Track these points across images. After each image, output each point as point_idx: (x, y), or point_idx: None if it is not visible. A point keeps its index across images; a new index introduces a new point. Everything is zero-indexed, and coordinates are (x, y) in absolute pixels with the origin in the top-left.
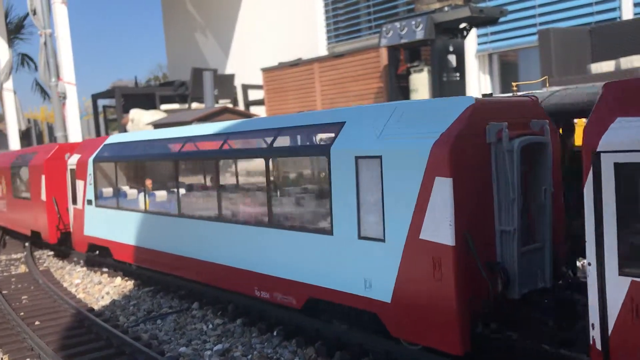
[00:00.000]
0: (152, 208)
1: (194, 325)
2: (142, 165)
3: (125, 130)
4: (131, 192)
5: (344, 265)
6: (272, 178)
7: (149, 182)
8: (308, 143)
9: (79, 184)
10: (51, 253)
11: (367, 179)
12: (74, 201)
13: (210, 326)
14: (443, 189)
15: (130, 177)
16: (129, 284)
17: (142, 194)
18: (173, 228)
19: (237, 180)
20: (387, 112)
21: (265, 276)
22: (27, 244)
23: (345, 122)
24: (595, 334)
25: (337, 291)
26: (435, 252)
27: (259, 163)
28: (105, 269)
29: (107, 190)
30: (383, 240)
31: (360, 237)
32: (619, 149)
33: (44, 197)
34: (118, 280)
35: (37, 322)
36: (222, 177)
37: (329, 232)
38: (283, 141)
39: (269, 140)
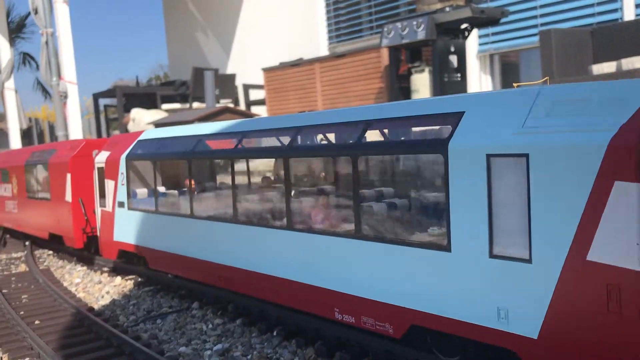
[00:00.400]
0: (200, 213)
1: (193, 325)
2: (187, 164)
3: (126, 130)
4: (173, 194)
5: (465, 289)
6: (360, 180)
7: (194, 183)
8: (412, 138)
9: (109, 183)
10: (51, 252)
11: (505, 183)
12: (102, 203)
13: (210, 326)
14: (626, 196)
15: (171, 177)
16: (129, 284)
17: (186, 196)
18: (226, 236)
19: (313, 182)
20: (526, 99)
21: (351, 297)
22: (27, 243)
23: (464, 112)
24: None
25: (453, 320)
26: (611, 278)
27: (342, 162)
28: (105, 269)
29: (143, 192)
30: (529, 261)
31: (492, 256)
32: None
33: (69, 197)
34: (118, 279)
35: (37, 322)
36: (292, 179)
37: (445, 247)
38: (374, 136)
39: (355, 135)
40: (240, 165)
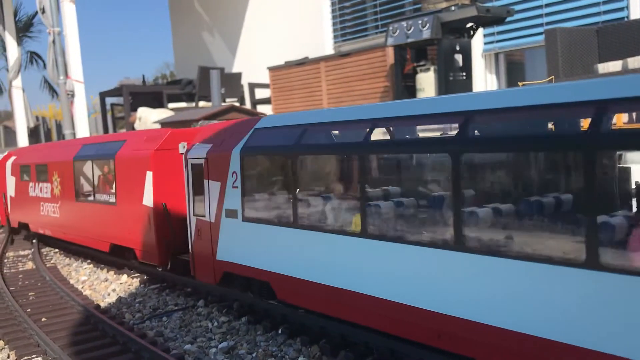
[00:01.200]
0: (378, 230)
1: (199, 322)
2: (356, 162)
3: (132, 129)
4: (321, 203)
5: None
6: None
7: (363, 187)
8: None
9: (210, 185)
10: (57, 250)
11: None
12: (198, 210)
13: (216, 324)
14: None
15: (318, 178)
16: (135, 281)
17: (348, 206)
18: (438, 268)
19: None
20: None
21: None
22: (34, 241)
23: None
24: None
25: None
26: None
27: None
28: (111, 267)
29: (268, 198)
30: None
31: None
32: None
33: (148, 201)
34: (124, 277)
35: (43, 319)
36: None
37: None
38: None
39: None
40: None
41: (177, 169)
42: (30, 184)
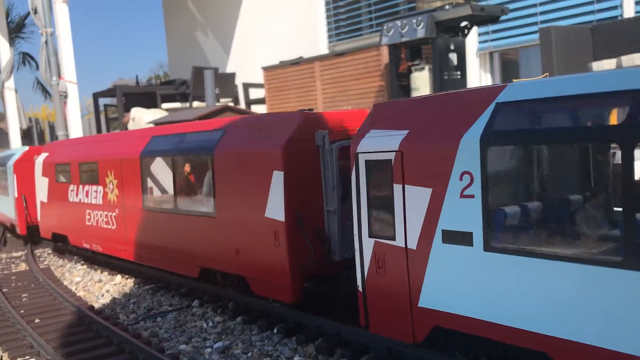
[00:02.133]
0: None
1: (194, 322)
2: None
3: (126, 130)
4: None
5: None
6: None
7: None
8: None
9: (410, 193)
10: (51, 251)
11: None
12: (378, 229)
13: (211, 324)
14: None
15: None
16: (129, 282)
17: None
18: None
19: None
20: None
21: None
22: (27, 243)
23: None
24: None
25: None
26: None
27: None
28: (105, 268)
29: (542, 216)
30: None
31: None
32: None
33: (275, 212)
34: (118, 278)
35: (37, 320)
36: None
37: None
38: None
39: None
40: None
41: (313, 167)
42: (71, 187)
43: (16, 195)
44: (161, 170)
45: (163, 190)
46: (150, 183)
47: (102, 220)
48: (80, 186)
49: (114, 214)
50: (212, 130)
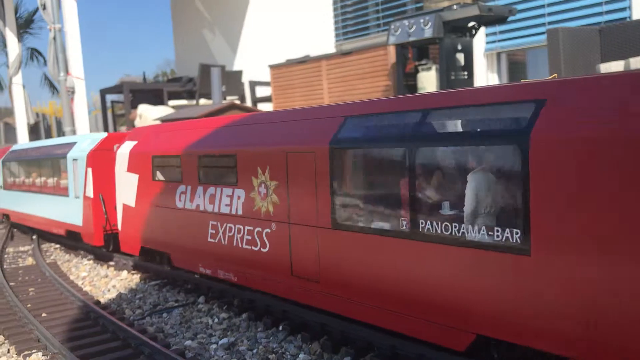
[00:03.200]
0: None
1: (199, 319)
2: None
3: (133, 126)
4: None
5: None
6: None
7: None
8: None
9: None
10: (58, 246)
11: None
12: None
13: (216, 320)
14: None
15: None
16: (136, 278)
17: None
18: None
19: None
20: None
21: None
22: (34, 237)
23: None
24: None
25: None
26: None
27: None
28: (111, 263)
29: None
30: None
31: None
32: None
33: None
34: (124, 273)
35: (43, 314)
36: None
37: None
38: None
39: None
40: None
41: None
42: (181, 188)
43: (91, 195)
44: (377, 169)
45: (381, 201)
46: (351, 187)
47: (243, 237)
48: (200, 187)
49: (269, 230)
50: (477, 105)
